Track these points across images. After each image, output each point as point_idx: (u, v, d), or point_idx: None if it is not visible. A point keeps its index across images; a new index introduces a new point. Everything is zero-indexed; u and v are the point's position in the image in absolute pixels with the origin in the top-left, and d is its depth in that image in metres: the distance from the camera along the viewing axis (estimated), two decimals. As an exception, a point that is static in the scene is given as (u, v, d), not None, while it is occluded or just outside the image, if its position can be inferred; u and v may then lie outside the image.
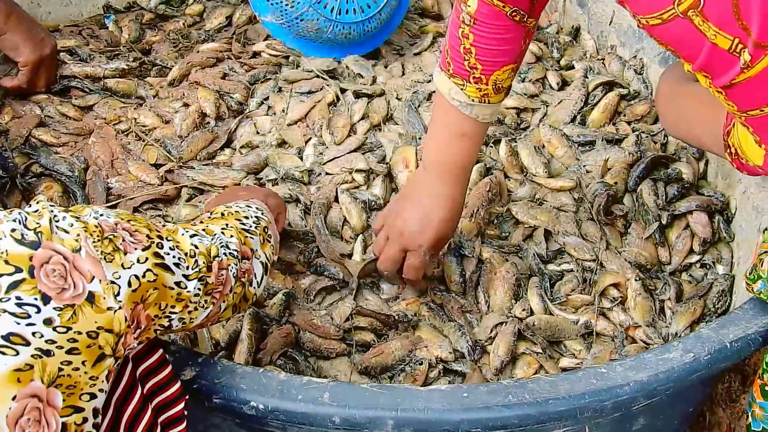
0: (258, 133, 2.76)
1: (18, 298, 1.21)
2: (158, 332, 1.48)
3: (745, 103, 1.46)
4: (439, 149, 2.16)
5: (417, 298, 2.32)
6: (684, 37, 1.35)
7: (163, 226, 1.53)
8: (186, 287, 1.47)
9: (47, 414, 1.22)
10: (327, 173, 2.59)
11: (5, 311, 1.20)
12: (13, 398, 1.18)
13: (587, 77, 2.93)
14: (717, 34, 1.32)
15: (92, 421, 1.30)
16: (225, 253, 1.63)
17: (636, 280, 2.34)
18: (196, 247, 1.53)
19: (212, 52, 3.01)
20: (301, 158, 2.65)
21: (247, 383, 1.72)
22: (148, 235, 1.43)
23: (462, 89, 2.03)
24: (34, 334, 1.21)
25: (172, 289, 1.44)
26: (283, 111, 2.79)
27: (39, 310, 1.22)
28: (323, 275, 2.33)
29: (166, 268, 1.43)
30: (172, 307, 1.46)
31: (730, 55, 1.34)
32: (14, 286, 1.22)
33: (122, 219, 1.43)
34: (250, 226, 1.80)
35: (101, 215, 1.39)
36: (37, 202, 1.33)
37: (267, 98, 2.86)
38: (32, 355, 1.20)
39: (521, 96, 2.83)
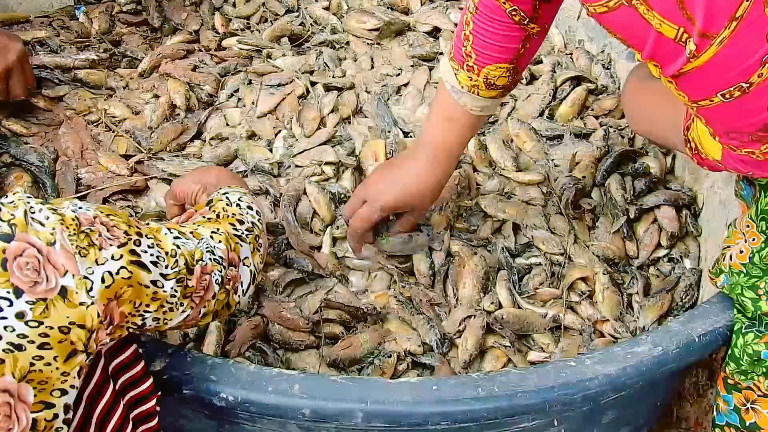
0: (228, 125, 2.76)
1: None
2: (131, 330, 1.47)
3: (694, 93, 1.47)
4: (429, 127, 2.19)
5: (385, 290, 2.33)
6: (630, 25, 1.37)
7: (147, 224, 1.52)
8: (163, 286, 1.46)
9: (18, 409, 1.23)
10: (297, 165, 2.59)
11: None
12: None
13: (555, 72, 2.94)
14: (662, 23, 1.33)
15: (63, 417, 1.30)
16: (210, 259, 1.62)
17: (604, 273, 2.36)
18: (178, 247, 1.52)
19: (182, 44, 3.00)
20: (271, 150, 2.65)
21: (218, 374, 1.73)
22: (126, 232, 1.41)
23: (455, 74, 2.05)
24: (5, 328, 1.21)
25: (148, 287, 1.43)
26: (253, 103, 2.79)
27: (11, 304, 1.22)
28: (292, 267, 2.33)
29: (142, 266, 1.41)
30: (147, 306, 1.45)
31: (676, 44, 1.35)
32: None
33: (101, 213, 1.41)
34: (243, 233, 1.79)
35: (80, 208, 1.38)
36: (14, 194, 1.32)
37: (237, 90, 2.86)
38: (3, 350, 1.20)
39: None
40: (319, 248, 2.42)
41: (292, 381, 1.73)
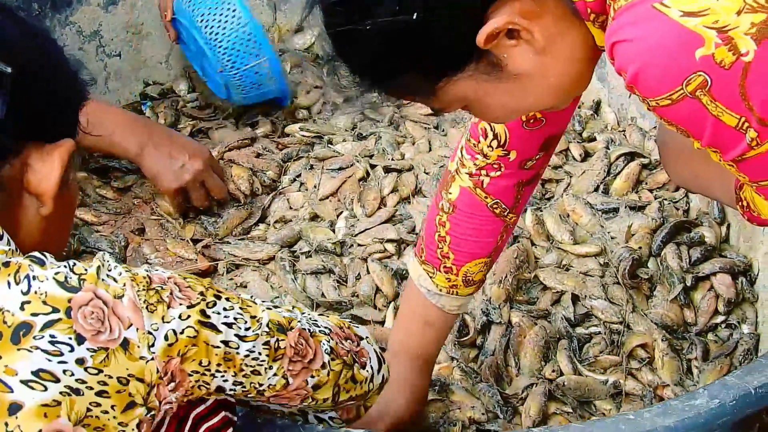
0: (291, 208, 2.84)
1: (52, 336, 1.22)
2: (205, 390, 1.42)
3: (755, 175, 1.51)
4: (404, 337, 2.18)
5: (449, 361, 2.37)
6: (692, 116, 1.41)
7: (239, 295, 1.49)
8: (237, 347, 1.41)
9: None
10: (359, 244, 2.67)
11: (38, 348, 1.21)
12: None
13: (609, 148, 2.98)
14: (723, 113, 1.38)
15: None
16: (311, 330, 1.58)
17: (663, 340, 2.39)
18: (270, 311, 1.50)
19: (247, 133, 3.11)
20: (334, 231, 2.73)
21: None
22: (201, 293, 1.39)
23: (431, 277, 2.07)
24: (65, 371, 1.22)
25: (218, 347, 1.39)
26: (315, 187, 2.87)
27: (72, 349, 1.23)
28: (357, 342, 2.38)
29: (212, 326, 1.38)
30: (218, 365, 1.40)
31: (737, 131, 1.40)
32: (49, 324, 1.22)
33: (178, 275, 1.40)
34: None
35: (156, 270, 1.38)
36: (96, 256, 1.34)
37: (299, 175, 2.94)
38: (61, 392, 1.22)
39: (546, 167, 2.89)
40: (382, 323, 2.48)
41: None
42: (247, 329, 1.42)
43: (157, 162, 2.67)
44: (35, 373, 1.20)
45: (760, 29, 1.28)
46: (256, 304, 1.49)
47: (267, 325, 1.47)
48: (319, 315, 1.67)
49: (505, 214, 2.00)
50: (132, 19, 3.21)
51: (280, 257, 2.63)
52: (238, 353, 1.41)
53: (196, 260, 2.62)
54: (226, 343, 1.39)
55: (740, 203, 1.81)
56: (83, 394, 1.23)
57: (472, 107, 1.57)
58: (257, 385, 1.48)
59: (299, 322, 1.55)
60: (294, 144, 3.07)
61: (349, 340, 1.66)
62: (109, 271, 1.31)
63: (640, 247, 2.62)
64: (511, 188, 1.98)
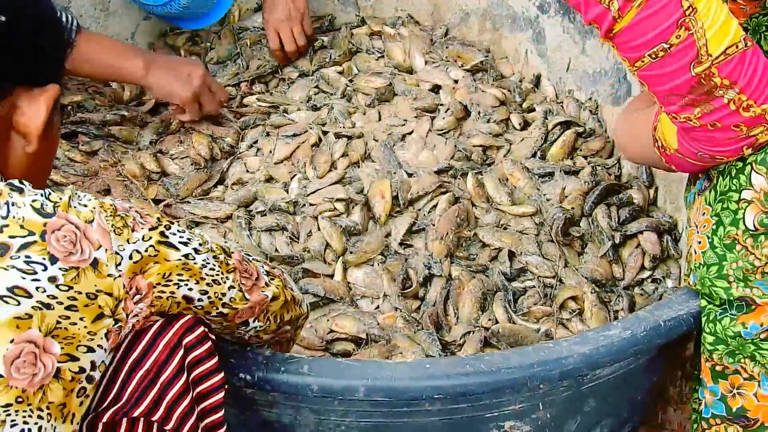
0: (248, 171, 3.00)
1: (27, 256, 1.36)
2: (172, 299, 1.59)
3: (628, 54, 1.73)
4: None
5: (393, 312, 2.54)
6: None
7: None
8: (194, 259, 1.58)
9: (43, 358, 1.37)
10: (310, 204, 2.82)
11: (13, 267, 1.35)
12: (11, 341, 1.34)
13: (547, 118, 3.15)
14: None
15: (89, 372, 1.45)
16: (248, 258, 1.77)
17: (592, 293, 2.56)
18: (212, 242, 1.67)
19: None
20: (287, 191, 2.89)
21: (236, 358, 1.92)
22: (158, 218, 1.55)
23: None
24: (37, 288, 1.36)
25: (179, 260, 1.56)
26: (271, 152, 3.03)
27: (45, 268, 1.37)
28: (307, 293, 2.55)
29: (170, 245, 1.54)
30: (179, 275, 1.57)
31: (604, 7, 1.64)
32: (25, 246, 1.36)
33: (139, 207, 1.57)
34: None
35: (118, 201, 1.54)
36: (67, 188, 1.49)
37: (256, 141, 3.10)
38: (33, 307, 1.35)
39: (487, 135, 3.04)
40: (331, 276, 2.64)
41: (302, 363, 1.93)
42: (200, 245, 1.61)
43: (165, 78, 2.94)
44: (10, 289, 1.35)
45: None
46: (201, 233, 1.68)
47: (213, 247, 1.66)
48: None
49: None
50: (99, -4, 3.37)
51: (236, 216, 2.79)
52: (195, 263, 1.59)
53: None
54: (186, 255, 1.57)
55: (656, 145, 2.00)
56: (53, 309, 1.38)
57: None
58: (220, 296, 1.67)
59: (236, 252, 1.74)
60: (251, 113, 3.22)
61: (276, 270, 1.88)
62: (79, 199, 1.47)
63: (572, 208, 2.79)
64: None
